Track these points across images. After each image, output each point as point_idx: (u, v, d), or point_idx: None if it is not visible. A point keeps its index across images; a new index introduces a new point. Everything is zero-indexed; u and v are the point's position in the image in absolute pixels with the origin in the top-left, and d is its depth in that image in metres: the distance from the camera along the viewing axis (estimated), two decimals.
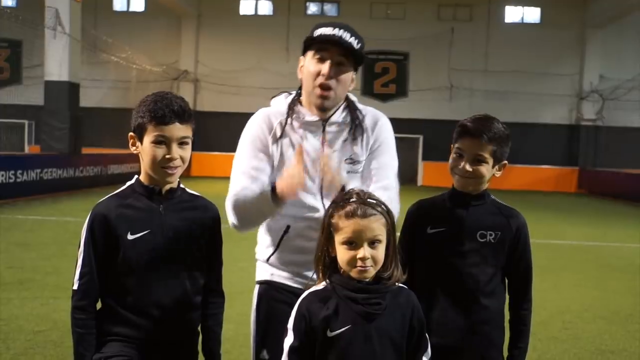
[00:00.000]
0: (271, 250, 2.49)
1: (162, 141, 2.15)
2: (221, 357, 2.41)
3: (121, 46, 22.39)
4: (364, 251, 1.93)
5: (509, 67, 25.37)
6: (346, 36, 2.36)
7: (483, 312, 2.34)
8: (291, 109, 2.47)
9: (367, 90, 26.19)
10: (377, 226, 1.95)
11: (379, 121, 2.55)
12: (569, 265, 9.01)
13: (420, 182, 25.69)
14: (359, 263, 1.94)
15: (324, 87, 2.37)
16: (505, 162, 2.39)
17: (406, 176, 24.46)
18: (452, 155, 2.39)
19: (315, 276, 2.11)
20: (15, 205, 13.50)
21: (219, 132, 24.83)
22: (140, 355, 2.17)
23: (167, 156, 2.15)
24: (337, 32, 2.36)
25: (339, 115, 2.48)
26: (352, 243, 1.95)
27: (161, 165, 2.17)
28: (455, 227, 2.37)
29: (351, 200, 1.99)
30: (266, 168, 2.46)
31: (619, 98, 24.31)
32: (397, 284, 2.03)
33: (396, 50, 26.15)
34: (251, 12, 27.16)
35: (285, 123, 2.46)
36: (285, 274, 2.47)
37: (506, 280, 2.46)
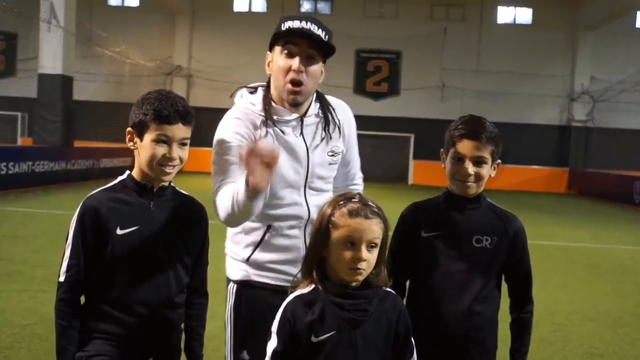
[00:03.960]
0: (251, 249, 2.43)
1: (163, 140, 2.15)
2: (203, 357, 2.40)
3: (115, 40, 22.41)
4: (363, 252, 1.92)
5: (500, 67, 25.52)
6: (314, 29, 2.31)
7: (477, 318, 2.30)
8: (266, 107, 2.40)
9: (359, 89, 26.27)
10: (377, 229, 1.95)
11: (347, 115, 2.58)
12: (558, 267, 8.97)
13: (410, 181, 25.74)
14: (355, 264, 1.91)
15: (295, 83, 2.33)
16: (499, 160, 2.37)
17: (397, 175, 24.64)
18: (450, 161, 2.32)
19: (300, 275, 2.09)
20: (6, 197, 13.47)
21: (212, 127, 24.40)
22: (121, 353, 2.16)
23: (167, 155, 2.16)
24: (305, 25, 2.31)
25: (313, 108, 2.46)
26: (352, 243, 1.92)
27: (159, 164, 2.17)
28: (450, 231, 2.32)
29: (353, 200, 1.98)
30: None
31: (609, 100, 24.49)
32: (384, 288, 2.02)
33: (389, 48, 26.24)
34: (245, 9, 27.20)
35: (266, 120, 2.39)
36: (265, 272, 2.42)
37: (506, 285, 2.43)
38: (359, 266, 1.91)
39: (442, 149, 2.38)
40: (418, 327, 2.15)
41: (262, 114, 2.39)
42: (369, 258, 1.93)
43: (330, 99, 2.56)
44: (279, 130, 2.38)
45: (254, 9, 27.23)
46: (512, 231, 2.35)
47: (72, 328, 2.13)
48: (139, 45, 24.69)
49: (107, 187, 2.24)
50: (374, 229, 1.93)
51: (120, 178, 2.26)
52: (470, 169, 2.26)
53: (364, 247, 1.92)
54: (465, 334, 2.29)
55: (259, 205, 2.21)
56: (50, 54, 16.99)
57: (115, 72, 24.03)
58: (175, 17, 26.64)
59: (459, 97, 25.55)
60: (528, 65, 25.53)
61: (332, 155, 2.48)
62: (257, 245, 2.41)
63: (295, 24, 2.32)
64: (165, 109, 2.13)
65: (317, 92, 2.50)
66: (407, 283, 2.44)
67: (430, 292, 2.31)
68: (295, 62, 2.31)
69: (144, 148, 2.16)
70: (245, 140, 2.33)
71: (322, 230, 1.97)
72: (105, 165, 19.60)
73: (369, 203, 1.98)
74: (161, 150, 2.15)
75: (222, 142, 2.37)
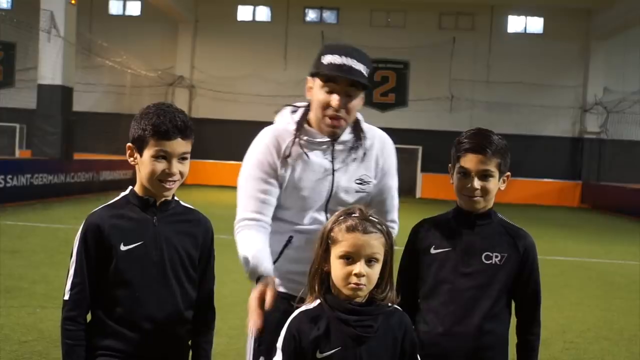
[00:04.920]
0: (274, 258, 2.48)
1: (163, 156, 2.14)
2: None
3: (116, 50, 22.06)
4: (360, 267, 1.92)
5: (511, 78, 25.06)
6: (355, 64, 2.36)
7: (487, 337, 2.28)
8: (299, 129, 2.48)
9: (366, 100, 24.19)
10: (376, 244, 1.95)
11: (385, 145, 2.61)
12: (571, 283, 8.85)
13: (419, 194, 25.34)
14: (354, 280, 1.92)
15: (334, 118, 2.40)
16: (509, 173, 2.36)
17: (405, 188, 24.12)
18: (456, 176, 2.32)
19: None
20: (5, 211, 13.33)
21: (215, 139, 24.50)
22: None
23: (167, 171, 2.15)
24: (346, 61, 2.35)
25: (347, 135, 2.51)
26: (349, 258, 1.94)
27: (159, 179, 2.16)
28: (460, 247, 2.31)
29: (353, 215, 1.99)
30: (274, 190, 2.49)
31: (623, 111, 24.05)
32: (390, 305, 2.03)
33: (396, 58, 25.87)
34: (249, 18, 26.85)
35: (293, 143, 2.47)
36: (284, 282, 2.50)
37: (513, 304, 2.39)
38: (358, 282, 1.92)
39: (450, 164, 2.38)
40: (427, 344, 2.24)
41: (292, 135, 2.47)
42: (369, 273, 1.94)
43: (371, 129, 2.59)
44: (308, 152, 2.47)
45: (257, 18, 26.89)
46: (522, 248, 2.33)
47: (78, 346, 2.14)
48: (141, 55, 24.31)
49: (109, 204, 2.25)
50: (372, 243, 1.95)
51: (122, 194, 2.26)
52: (476, 183, 2.26)
53: (362, 262, 1.93)
54: (475, 353, 2.27)
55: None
56: (50, 65, 16.75)
57: (116, 83, 23.69)
58: (178, 26, 26.29)
59: (468, 108, 25.15)
60: (539, 76, 25.08)
61: (360, 184, 2.52)
62: (279, 255, 2.50)
63: (336, 59, 2.36)
64: (164, 124, 2.12)
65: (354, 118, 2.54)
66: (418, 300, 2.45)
67: (439, 310, 2.31)
68: (335, 100, 2.38)
69: (144, 164, 2.16)
70: (269, 173, 2.46)
71: (322, 246, 2.01)
72: (105, 178, 19.32)
73: (370, 218, 1.99)
74: (161, 166, 2.15)
75: (249, 170, 2.50)
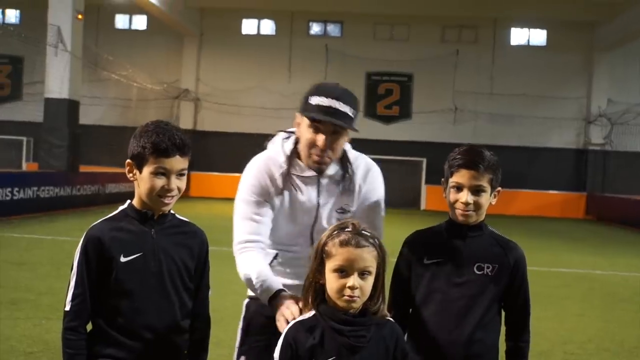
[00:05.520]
0: None
1: (162, 172, 2.22)
2: None
3: (122, 64, 22.21)
4: (354, 280, 1.99)
5: (514, 90, 25.10)
6: (341, 107, 2.43)
7: (477, 345, 2.34)
8: (290, 162, 2.59)
9: (370, 112, 25.93)
10: (368, 257, 2.02)
11: (369, 172, 2.68)
12: (573, 294, 8.80)
13: (423, 206, 25.27)
14: (347, 292, 1.99)
15: (320, 156, 2.50)
16: (499, 188, 2.43)
17: (409, 200, 24.13)
18: (449, 190, 2.39)
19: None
20: (11, 223, 13.39)
21: (219, 152, 24.58)
22: None
23: (166, 187, 2.23)
24: (332, 103, 2.42)
25: (332, 169, 2.61)
26: (343, 271, 2.00)
27: (159, 195, 2.24)
28: (451, 258, 2.37)
29: (346, 229, 2.05)
30: (269, 212, 2.59)
31: (627, 122, 24.03)
32: (381, 316, 2.10)
33: (400, 71, 25.96)
34: (253, 31, 27.03)
35: (283, 176, 2.58)
36: None
37: (503, 313, 2.46)
38: (352, 294, 1.99)
39: (443, 178, 2.45)
40: (420, 353, 2.33)
41: (283, 167, 2.58)
42: (362, 286, 2.00)
43: (357, 158, 2.67)
44: (295, 184, 2.59)
45: (262, 32, 27.07)
46: (513, 259, 2.40)
47: (79, 355, 2.19)
48: (146, 68, 24.48)
49: (109, 217, 2.31)
50: (365, 257, 2.01)
51: (121, 207, 2.32)
52: (469, 197, 2.33)
53: (355, 275, 1.99)
54: None
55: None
56: (57, 78, 16.88)
57: (122, 96, 23.83)
58: (183, 40, 26.48)
59: (472, 120, 25.17)
60: (543, 88, 25.11)
61: (342, 212, 2.62)
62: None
63: (323, 101, 2.43)
64: (163, 142, 2.19)
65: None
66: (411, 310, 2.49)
67: (431, 319, 2.37)
68: (321, 140, 2.47)
69: (143, 180, 2.23)
70: (263, 196, 2.58)
71: (317, 260, 2.07)
72: (111, 191, 19.35)
73: (362, 232, 2.05)
74: (160, 182, 2.22)
75: (244, 194, 2.61)
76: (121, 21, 27.20)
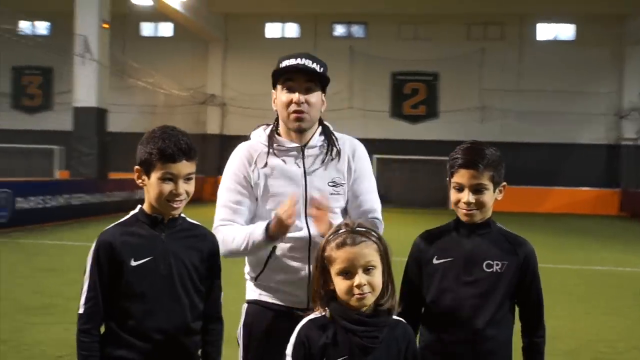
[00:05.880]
0: (259, 270, 2.61)
1: (169, 178, 2.25)
2: None
3: (148, 71, 22.46)
4: (360, 278, 1.98)
5: (542, 86, 24.75)
6: (309, 63, 2.56)
7: (490, 343, 2.34)
8: (271, 139, 2.64)
9: (396, 112, 25.81)
10: (368, 252, 2.02)
11: (356, 149, 2.72)
12: (604, 292, 8.69)
13: (451, 206, 25.00)
14: (356, 291, 1.98)
15: (298, 112, 2.55)
16: (505, 183, 2.41)
17: (437, 200, 23.87)
18: (452, 191, 2.39)
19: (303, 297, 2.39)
20: (43, 230, 13.70)
21: None
22: None
23: (174, 192, 2.26)
24: (300, 61, 2.55)
25: (316, 140, 2.65)
26: (347, 272, 2.00)
27: (167, 199, 2.27)
28: (461, 257, 2.37)
29: (341, 231, 2.06)
30: (246, 201, 2.62)
31: None
32: (394, 317, 2.10)
33: (425, 70, 25.79)
34: (278, 35, 27.14)
35: (268, 152, 2.62)
36: (271, 293, 2.60)
37: (517, 309, 2.46)
38: (361, 291, 1.98)
39: (447, 178, 2.44)
40: (433, 353, 2.34)
41: (265, 146, 2.63)
42: (370, 281, 2.00)
43: (341, 135, 2.74)
44: (279, 160, 2.60)
45: (286, 35, 27.17)
46: (522, 255, 2.38)
47: (92, 357, 2.24)
48: (172, 75, 24.74)
49: (120, 222, 2.35)
50: (364, 252, 2.01)
51: (132, 213, 2.36)
52: (470, 197, 2.33)
53: (360, 273, 1.99)
54: (477, 358, 2.34)
55: (270, 247, 2.54)
56: (85, 87, 17.15)
57: (149, 103, 24.10)
58: (208, 46, 26.72)
59: (499, 118, 24.89)
60: (572, 83, 24.73)
61: (334, 186, 2.62)
62: (264, 266, 2.59)
63: (291, 61, 2.56)
64: (169, 148, 2.23)
65: (323, 124, 2.71)
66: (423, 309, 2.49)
67: (442, 318, 2.37)
68: (296, 96, 2.54)
69: (152, 185, 2.27)
70: (242, 184, 2.62)
71: (318, 268, 2.09)
72: (140, 196, 18.12)
73: (357, 229, 2.06)
74: (168, 187, 2.25)
75: (225, 182, 2.67)
76: (147, 29, 27.54)
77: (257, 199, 2.62)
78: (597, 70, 25.02)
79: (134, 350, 2.25)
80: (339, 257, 2.01)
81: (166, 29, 27.44)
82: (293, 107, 2.54)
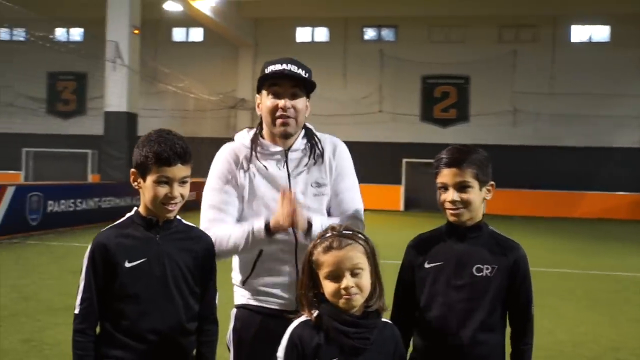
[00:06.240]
0: (247, 274, 2.62)
1: (165, 181, 2.28)
2: None
3: (178, 76, 22.69)
4: (347, 281, 2.00)
5: (576, 89, 24.23)
6: (294, 69, 2.55)
7: (480, 347, 2.33)
8: (254, 142, 2.64)
9: (427, 116, 25.59)
10: (354, 254, 2.03)
11: (337, 147, 2.73)
12: (632, 299, 8.55)
13: (484, 210, 24.68)
14: (344, 293, 2.00)
15: (283, 117, 2.55)
16: (493, 182, 2.42)
17: None
18: (438, 192, 2.40)
19: (292, 299, 2.37)
20: (74, 233, 13.94)
21: None
22: None
23: (169, 195, 2.29)
24: (286, 66, 2.54)
25: (299, 143, 2.65)
26: (335, 276, 2.02)
27: (162, 202, 2.30)
28: (451, 261, 2.37)
29: (327, 235, 2.09)
30: (234, 201, 2.61)
31: None
32: (382, 319, 2.12)
33: (456, 74, 25.50)
34: (308, 39, 27.15)
35: (251, 156, 2.62)
36: (259, 296, 2.59)
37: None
38: (348, 293, 2.00)
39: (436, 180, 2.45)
40: (423, 356, 2.37)
41: (248, 149, 2.63)
42: (358, 283, 2.02)
43: (323, 136, 2.73)
44: (262, 164, 2.60)
45: (316, 39, 27.16)
46: (512, 259, 2.37)
47: (87, 357, 2.27)
48: (203, 79, 24.93)
49: (116, 224, 2.39)
50: (350, 255, 2.02)
51: (128, 215, 2.40)
52: (455, 195, 2.33)
53: (347, 276, 2.01)
54: None
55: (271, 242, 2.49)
56: (116, 92, 17.43)
57: (179, 108, 24.31)
58: (238, 50, 26.84)
59: (532, 121, 24.45)
60: (607, 85, 24.10)
61: (318, 187, 2.63)
62: (251, 270, 2.59)
63: (277, 67, 2.55)
64: (165, 152, 2.26)
65: (305, 127, 2.70)
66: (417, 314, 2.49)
67: (434, 322, 2.37)
68: (282, 101, 2.54)
69: (147, 188, 2.30)
70: (230, 184, 2.61)
71: (306, 273, 2.10)
72: None
73: (344, 232, 2.08)
74: (163, 190, 2.28)
75: (211, 183, 2.65)
76: (178, 34, 27.83)
77: (243, 200, 2.62)
78: (633, 72, 24.36)
79: (128, 351, 2.28)
80: (325, 260, 2.04)
81: (197, 34, 27.69)
82: (279, 113, 2.54)
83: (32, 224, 13.51)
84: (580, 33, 25.37)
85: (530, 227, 18.86)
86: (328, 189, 2.66)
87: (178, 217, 2.43)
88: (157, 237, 2.34)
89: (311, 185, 2.63)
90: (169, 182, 2.28)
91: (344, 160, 2.73)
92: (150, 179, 2.29)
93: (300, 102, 2.58)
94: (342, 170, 2.70)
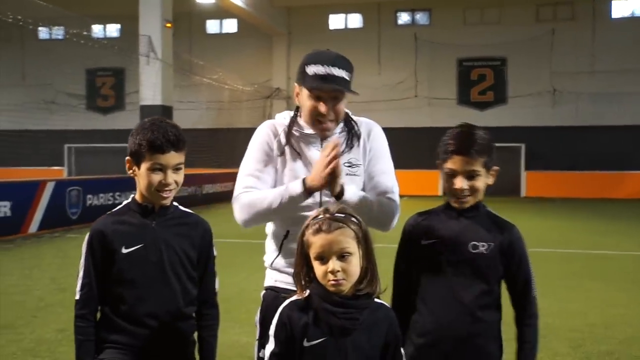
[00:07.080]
0: (274, 255, 2.65)
1: (159, 168, 2.33)
2: None
3: (213, 68, 22.84)
4: (333, 264, 1.99)
5: (618, 66, 23.46)
6: (337, 72, 2.50)
7: (477, 324, 2.34)
8: (293, 122, 2.66)
9: (464, 99, 25.21)
10: (343, 239, 2.01)
11: (372, 130, 2.73)
12: None
13: (523, 193, 24.31)
14: (330, 277, 1.99)
15: (323, 123, 2.57)
16: (497, 167, 2.41)
17: (509, 188, 23.23)
18: (444, 177, 2.39)
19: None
20: None
21: None
22: None
23: (163, 182, 2.34)
24: (329, 70, 2.50)
25: (337, 128, 2.65)
26: (323, 258, 2.02)
27: (157, 189, 2.35)
28: (447, 238, 2.38)
29: (319, 217, 2.07)
30: (270, 171, 2.63)
31: None
32: (378, 300, 2.10)
33: (493, 55, 25.03)
34: (341, 26, 26.99)
35: (289, 133, 2.64)
36: (286, 278, 2.57)
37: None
38: (335, 278, 1.99)
39: (437, 161, 2.42)
40: (420, 333, 2.38)
41: (286, 127, 2.66)
42: (345, 267, 2.00)
43: (359, 118, 2.73)
44: (300, 144, 2.63)
45: (350, 26, 26.98)
46: (507, 240, 2.38)
47: (88, 341, 2.33)
48: (238, 70, 25.05)
49: (113, 212, 2.45)
50: (339, 239, 2.01)
51: (125, 202, 2.46)
52: (464, 184, 2.33)
53: (334, 259, 2.00)
54: (465, 339, 2.33)
55: (304, 202, 2.48)
56: (150, 86, 17.57)
57: (215, 99, 24.49)
58: (272, 40, 26.87)
59: (572, 101, 23.82)
60: None
61: (350, 167, 2.62)
62: (279, 251, 2.62)
63: (319, 70, 2.51)
64: (158, 139, 2.30)
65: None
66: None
67: (431, 299, 2.39)
68: (322, 107, 2.53)
69: (142, 176, 2.35)
70: (268, 154, 2.64)
71: (300, 252, 2.10)
72: (208, 191, 19.89)
73: (336, 215, 2.05)
74: (157, 177, 2.33)
75: (250, 152, 2.68)
76: (212, 26, 27.99)
77: (277, 173, 2.65)
78: None
79: (126, 335, 2.34)
80: (314, 242, 2.03)
81: (230, 26, 27.80)
82: (320, 117, 2.57)
83: (72, 217, 13.86)
84: (621, 8, 24.54)
85: (571, 209, 18.46)
86: (361, 170, 2.66)
87: (175, 203, 2.48)
88: (153, 223, 2.40)
89: (344, 165, 2.60)
90: (162, 169, 2.33)
91: (379, 143, 2.72)
92: (144, 166, 2.33)
93: (342, 104, 2.58)
94: (377, 153, 2.70)
